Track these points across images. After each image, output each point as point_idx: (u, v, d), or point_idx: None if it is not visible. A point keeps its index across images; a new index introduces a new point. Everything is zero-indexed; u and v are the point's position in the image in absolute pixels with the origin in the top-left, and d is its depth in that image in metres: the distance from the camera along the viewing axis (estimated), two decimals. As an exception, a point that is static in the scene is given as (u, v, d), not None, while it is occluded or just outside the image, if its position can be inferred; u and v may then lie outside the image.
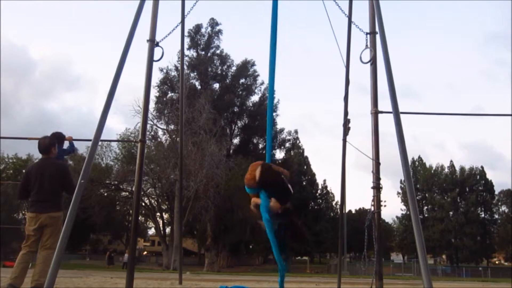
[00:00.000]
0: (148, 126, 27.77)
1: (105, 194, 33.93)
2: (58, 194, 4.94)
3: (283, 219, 3.73)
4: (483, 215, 51.17)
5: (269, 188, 3.78)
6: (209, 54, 37.94)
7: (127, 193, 32.97)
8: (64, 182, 4.95)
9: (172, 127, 31.21)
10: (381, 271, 4.69)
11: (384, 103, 4.63)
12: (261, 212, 3.74)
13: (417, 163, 54.75)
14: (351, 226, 44.44)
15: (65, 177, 4.98)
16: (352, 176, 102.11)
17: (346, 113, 6.66)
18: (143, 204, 32.10)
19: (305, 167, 49.51)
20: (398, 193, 53.20)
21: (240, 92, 38.79)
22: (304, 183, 47.87)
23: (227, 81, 38.38)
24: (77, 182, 4.07)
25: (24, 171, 5.23)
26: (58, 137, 5.31)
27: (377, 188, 4.70)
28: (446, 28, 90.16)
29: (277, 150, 40.50)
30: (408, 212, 48.57)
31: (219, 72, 38.32)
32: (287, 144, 42.26)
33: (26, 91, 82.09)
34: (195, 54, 37.56)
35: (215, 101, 33.62)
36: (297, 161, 46.82)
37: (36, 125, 65.93)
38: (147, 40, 5.74)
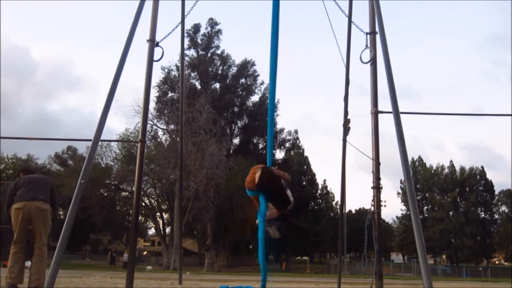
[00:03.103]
0: (148, 126, 27.80)
1: (105, 194, 33.93)
2: (46, 194, 5.00)
3: (281, 222, 3.75)
4: (483, 215, 51.15)
5: (267, 192, 3.80)
6: (209, 54, 37.94)
7: (127, 193, 32.96)
8: (51, 193, 5.11)
9: (172, 127, 31.19)
10: (381, 271, 4.69)
11: (384, 103, 4.64)
12: (258, 214, 3.78)
13: (417, 163, 54.74)
14: (351, 226, 44.47)
15: (51, 189, 5.17)
16: (352, 176, 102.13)
17: (346, 113, 6.66)
18: (143, 204, 32.08)
19: (305, 167, 49.44)
20: (398, 193, 53.22)
21: (240, 92, 38.77)
22: (304, 183, 47.79)
23: (227, 81, 38.37)
24: (77, 183, 4.08)
25: (11, 185, 5.27)
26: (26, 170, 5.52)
27: (377, 188, 4.70)
28: (446, 28, 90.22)
29: (277, 150, 40.49)
30: (408, 212, 48.57)
31: (219, 72, 38.32)
32: (287, 144, 42.21)
33: (28, 92, 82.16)
34: (195, 54, 37.58)
35: (215, 101, 33.62)
36: (297, 161, 46.78)
37: (38, 126, 66.11)
38: (147, 40, 5.75)
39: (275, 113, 37.56)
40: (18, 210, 4.72)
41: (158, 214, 35.47)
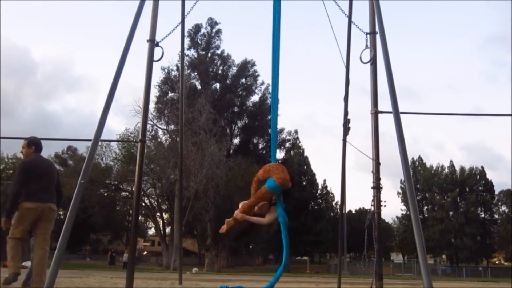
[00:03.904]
0: (148, 126, 27.79)
1: (105, 194, 33.91)
2: (54, 189, 4.94)
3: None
4: (483, 215, 51.13)
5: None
6: (209, 54, 37.96)
7: (127, 193, 32.95)
8: (57, 180, 5.04)
9: (172, 127, 31.19)
10: (381, 271, 4.69)
11: (384, 103, 4.64)
12: (280, 212, 3.91)
13: (417, 163, 54.71)
14: (351, 226, 44.41)
15: (58, 182, 5.09)
16: (352, 176, 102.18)
17: (346, 113, 6.66)
18: (143, 204, 32.06)
19: (305, 167, 49.45)
20: (398, 193, 53.18)
21: (240, 92, 38.79)
22: (304, 183, 47.81)
23: (227, 81, 38.38)
24: (77, 183, 4.08)
25: (20, 169, 4.69)
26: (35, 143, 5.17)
27: (377, 188, 4.70)
28: (446, 28, 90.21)
29: (277, 150, 40.49)
30: (408, 212, 48.55)
31: (220, 72, 38.34)
32: (287, 144, 42.29)
33: (28, 92, 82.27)
34: (195, 54, 37.59)
35: (215, 101, 33.63)
36: (297, 161, 46.79)
37: (38, 126, 66.14)
38: (147, 40, 5.75)
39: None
40: (30, 210, 4.57)
41: (158, 214, 35.46)
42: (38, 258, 4.65)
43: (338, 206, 47.60)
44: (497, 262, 60.72)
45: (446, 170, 53.44)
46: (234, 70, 38.92)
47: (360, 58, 5.11)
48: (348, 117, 6.61)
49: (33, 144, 4.98)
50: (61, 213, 30.59)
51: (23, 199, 4.59)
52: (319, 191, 52.01)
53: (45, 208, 4.66)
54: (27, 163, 4.85)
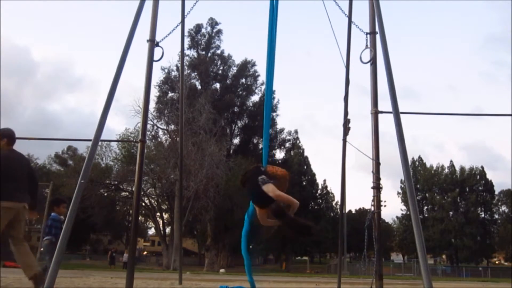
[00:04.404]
0: (148, 126, 27.81)
1: (105, 194, 33.93)
2: (27, 185, 4.82)
3: (281, 219, 3.72)
4: (483, 215, 51.16)
5: (248, 193, 3.92)
6: (209, 54, 37.98)
7: (127, 193, 32.96)
8: (30, 174, 4.85)
9: (172, 127, 31.20)
10: (381, 271, 4.68)
11: (384, 103, 4.64)
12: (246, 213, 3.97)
13: (417, 163, 54.75)
14: (351, 226, 44.44)
15: (30, 169, 4.95)
16: (352, 176, 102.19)
17: (346, 113, 6.66)
18: (143, 204, 32.07)
19: (305, 167, 49.46)
20: (398, 193, 53.23)
21: (240, 92, 38.81)
22: (304, 183, 47.82)
23: (228, 81, 38.40)
24: (77, 183, 4.07)
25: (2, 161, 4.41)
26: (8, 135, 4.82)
27: (377, 188, 4.70)
28: (446, 29, 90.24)
29: (277, 150, 40.55)
30: (408, 212, 48.56)
31: (220, 72, 38.36)
32: (287, 144, 42.26)
33: (28, 92, 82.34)
34: (195, 54, 37.61)
35: (215, 101, 33.65)
36: (297, 161, 46.79)
37: (38, 126, 66.22)
38: (147, 40, 5.74)
39: (275, 113, 37.64)
40: (9, 210, 4.44)
41: (158, 214, 35.47)
42: (24, 252, 4.58)
43: (338, 206, 47.61)
44: (497, 262, 60.74)
45: (446, 170, 53.48)
46: (234, 70, 38.95)
47: (360, 58, 5.10)
48: (348, 117, 6.61)
49: (5, 136, 4.68)
50: (61, 213, 30.61)
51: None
52: (319, 191, 52.01)
53: (20, 208, 4.58)
54: (2, 158, 4.60)
